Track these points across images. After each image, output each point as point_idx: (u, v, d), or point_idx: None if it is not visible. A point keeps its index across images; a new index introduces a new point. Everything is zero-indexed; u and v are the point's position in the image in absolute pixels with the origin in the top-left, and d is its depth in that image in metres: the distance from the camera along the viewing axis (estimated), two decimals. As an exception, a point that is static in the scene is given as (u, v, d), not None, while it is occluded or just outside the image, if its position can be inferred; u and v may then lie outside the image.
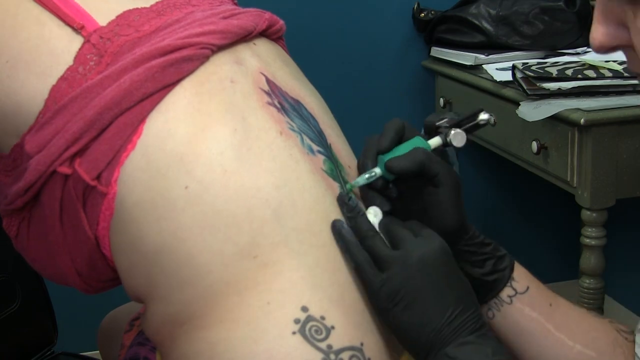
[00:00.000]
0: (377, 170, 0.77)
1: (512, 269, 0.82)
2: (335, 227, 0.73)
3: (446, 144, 0.79)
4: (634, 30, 0.62)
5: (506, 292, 0.81)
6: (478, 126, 0.81)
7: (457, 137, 0.79)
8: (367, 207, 0.77)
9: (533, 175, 1.72)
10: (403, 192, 0.80)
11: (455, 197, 0.78)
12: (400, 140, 0.78)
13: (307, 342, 0.68)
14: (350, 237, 0.73)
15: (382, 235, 0.74)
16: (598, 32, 0.65)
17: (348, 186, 0.77)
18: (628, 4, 0.61)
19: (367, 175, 0.77)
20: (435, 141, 0.79)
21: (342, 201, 0.75)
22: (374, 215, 0.76)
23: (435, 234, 0.73)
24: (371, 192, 0.78)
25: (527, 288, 0.82)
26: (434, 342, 0.69)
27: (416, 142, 0.78)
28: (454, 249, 0.77)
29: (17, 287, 1.33)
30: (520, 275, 0.82)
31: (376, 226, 0.75)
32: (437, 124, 0.81)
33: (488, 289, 0.81)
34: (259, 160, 0.72)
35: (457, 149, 0.80)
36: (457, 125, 0.80)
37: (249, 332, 0.69)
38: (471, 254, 0.80)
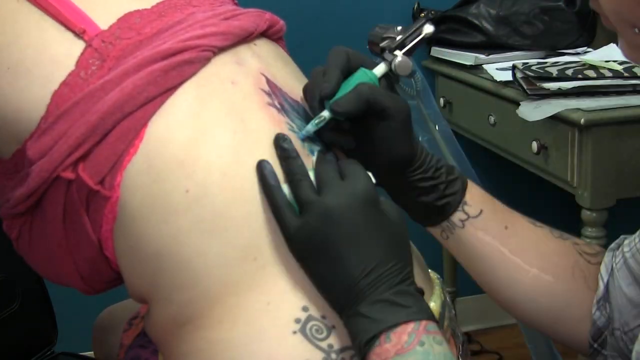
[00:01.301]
0: (326, 114, 0.74)
1: (463, 192, 0.79)
2: (259, 168, 0.71)
3: (392, 72, 0.76)
4: None
5: (458, 216, 0.79)
6: (423, 40, 0.77)
7: (402, 64, 0.76)
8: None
9: (533, 175, 1.72)
10: (354, 124, 0.77)
11: (404, 128, 0.75)
12: (346, 75, 0.76)
13: (307, 342, 0.68)
14: (271, 179, 0.70)
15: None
16: (622, 45, 0.65)
17: (299, 135, 0.75)
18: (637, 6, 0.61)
19: (316, 121, 0.75)
20: (380, 70, 0.76)
21: (277, 143, 0.73)
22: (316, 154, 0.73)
23: (363, 179, 0.70)
24: (330, 135, 0.76)
25: (481, 211, 0.79)
26: (347, 297, 0.67)
27: (360, 76, 0.75)
28: (403, 178, 0.76)
29: (17, 287, 1.33)
30: (475, 199, 0.80)
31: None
32: (381, 45, 0.78)
33: (437, 213, 0.79)
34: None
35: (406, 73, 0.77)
36: (402, 45, 0.77)
37: (249, 331, 0.69)
38: (422, 180, 0.77)
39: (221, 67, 0.75)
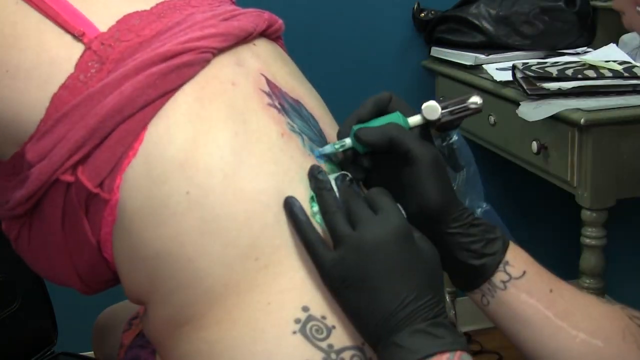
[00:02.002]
0: (347, 141, 0.74)
1: (504, 252, 0.76)
2: (287, 204, 0.71)
3: (427, 122, 0.75)
4: None
5: (499, 277, 0.75)
6: (466, 109, 0.76)
7: (429, 109, 0.75)
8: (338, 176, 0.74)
9: (533, 175, 1.72)
10: (381, 169, 0.76)
11: (433, 175, 0.73)
12: (381, 112, 0.76)
13: (307, 342, 0.68)
14: (302, 215, 0.70)
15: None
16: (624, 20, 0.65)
17: (315, 153, 0.75)
18: None
19: (337, 145, 0.74)
20: (415, 119, 0.76)
21: (312, 174, 0.73)
22: (334, 180, 0.72)
23: (396, 213, 0.69)
24: (345, 162, 0.76)
25: (524, 273, 0.76)
26: (383, 328, 0.67)
27: (393, 117, 0.75)
28: (437, 230, 0.74)
29: (17, 287, 1.33)
30: (517, 259, 0.76)
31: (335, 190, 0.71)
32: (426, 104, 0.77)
33: (476, 274, 0.75)
34: (260, 163, 0.72)
35: (447, 133, 0.76)
36: (444, 107, 0.76)
37: (248, 331, 0.69)
38: (457, 235, 0.75)
39: (221, 69, 0.75)
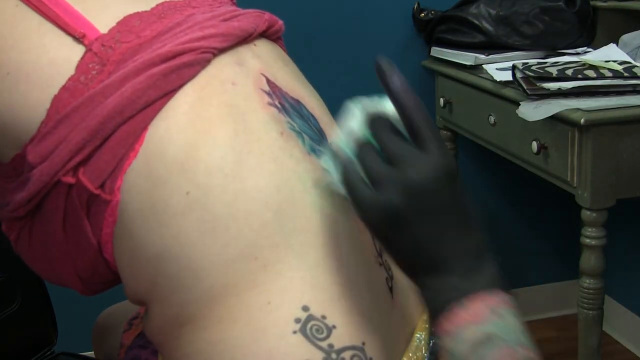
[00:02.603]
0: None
1: None
2: (337, 153, 0.69)
3: None
4: None
5: None
6: None
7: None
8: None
9: (533, 175, 1.72)
10: None
11: None
12: None
13: (308, 342, 0.68)
14: (346, 155, 0.69)
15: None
16: None
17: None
18: None
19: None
20: None
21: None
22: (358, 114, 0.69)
23: (440, 149, 0.66)
24: None
25: None
26: (430, 264, 0.66)
27: None
28: None
29: (17, 287, 1.33)
30: None
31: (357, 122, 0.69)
32: None
33: None
34: (260, 162, 0.72)
35: None
36: None
37: (249, 331, 0.69)
38: None
39: (221, 69, 0.75)
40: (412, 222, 0.66)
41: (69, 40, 0.72)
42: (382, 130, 0.69)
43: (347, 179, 0.68)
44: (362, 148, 0.69)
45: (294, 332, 0.69)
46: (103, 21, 0.74)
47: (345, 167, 0.69)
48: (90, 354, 1.21)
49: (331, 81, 2.15)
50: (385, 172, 0.66)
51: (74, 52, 0.72)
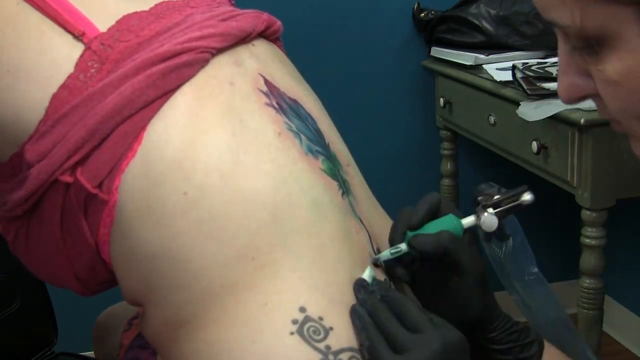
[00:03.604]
0: (403, 247, 0.76)
1: (540, 356, 0.78)
2: (354, 309, 0.71)
3: (479, 227, 0.77)
4: (597, 79, 0.60)
5: None
6: (520, 207, 0.78)
7: (488, 221, 0.76)
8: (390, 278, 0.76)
9: (533, 175, 1.72)
10: (429, 271, 0.78)
11: (478, 288, 0.76)
12: (434, 216, 0.77)
13: (305, 343, 0.68)
14: (367, 316, 0.70)
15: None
16: (563, 84, 0.64)
17: (372, 260, 0.77)
18: (589, 55, 0.60)
19: (392, 251, 0.76)
20: (468, 221, 0.77)
21: (359, 285, 0.73)
22: (368, 275, 0.74)
23: (451, 325, 0.70)
24: (393, 263, 0.77)
25: None
26: None
27: (447, 221, 0.76)
28: (476, 336, 0.76)
29: (17, 287, 1.33)
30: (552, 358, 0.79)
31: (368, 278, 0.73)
32: (478, 198, 0.78)
33: None
34: (257, 163, 0.72)
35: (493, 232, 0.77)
36: (497, 204, 0.77)
37: (246, 332, 0.69)
38: (495, 341, 0.78)
39: (219, 69, 0.75)
40: None
41: (68, 38, 0.72)
42: (398, 298, 0.72)
43: (371, 340, 0.69)
44: (384, 316, 0.70)
45: (291, 334, 0.68)
46: (102, 20, 0.74)
47: (369, 329, 0.69)
48: (90, 354, 1.21)
49: (331, 81, 2.16)
50: (408, 337, 0.68)
51: (73, 50, 0.72)
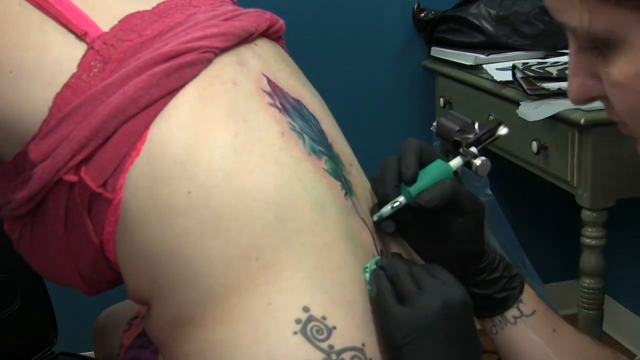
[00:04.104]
0: (402, 199, 0.77)
1: (521, 290, 0.83)
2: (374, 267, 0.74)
3: (468, 166, 0.79)
4: (606, 81, 0.62)
5: (512, 312, 0.82)
6: (495, 140, 0.81)
7: (483, 167, 0.78)
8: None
9: (533, 175, 1.72)
10: (422, 218, 0.80)
11: (478, 226, 0.79)
12: (421, 164, 0.79)
13: (308, 342, 0.68)
14: (380, 270, 0.73)
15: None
16: (574, 85, 0.65)
17: (374, 218, 0.78)
18: (597, 57, 0.61)
19: (391, 206, 0.77)
20: (456, 163, 0.79)
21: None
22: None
23: (456, 281, 0.72)
24: (386, 225, 0.79)
25: (533, 311, 0.83)
26: None
27: (438, 168, 0.78)
28: (468, 268, 0.78)
29: (17, 287, 1.33)
30: (529, 298, 0.83)
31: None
32: (456, 138, 0.80)
33: (496, 305, 0.82)
34: (261, 163, 0.72)
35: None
36: (477, 142, 0.79)
37: (249, 332, 0.69)
38: (485, 272, 0.81)
39: (222, 68, 0.75)
40: (426, 343, 0.69)
41: (71, 37, 0.73)
42: (408, 262, 0.75)
43: (380, 288, 0.72)
44: (393, 263, 0.73)
45: (295, 333, 0.69)
46: (105, 19, 0.74)
47: (379, 277, 0.72)
48: (90, 354, 1.21)
49: (332, 81, 2.15)
50: (414, 290, 0.71)
51: (76, 50, 0.72)
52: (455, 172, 0.80)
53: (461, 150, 0.80)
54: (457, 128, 0.81)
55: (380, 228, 0.80)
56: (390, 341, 0.70)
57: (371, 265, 0.74)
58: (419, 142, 0.80)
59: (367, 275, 0.74)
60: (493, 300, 0.82)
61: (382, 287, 0.72)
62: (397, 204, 0.77)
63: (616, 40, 0.58)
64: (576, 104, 0.68)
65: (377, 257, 0.76)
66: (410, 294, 0.71)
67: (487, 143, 0.80)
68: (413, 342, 0.69)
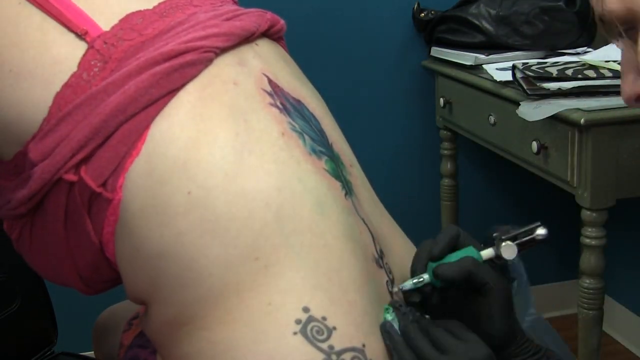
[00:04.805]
0: (425, 277, 0.78)
1: None
2: (385, 327, 0.74)
3: (498, 257, 0.79)
4: None
5: None
6: (534, 241, 0.80)
7: (508, 249, 0.78)
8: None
9: (533, 175, 1.72)
10: (452, 297, 0.79)
11: (503, 307, 0.77)
12: (454, 248, 0.79)
13: (308, 343, 0.68)
14: (398, 336, 0.73)
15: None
16: (625, 81, 0.66)
17: (395, 289, 0.79)
18: (635, 44, 0.61)
19: (414, 280, 0.78)
20: (487, 252, 0.79)
21: (395, 306, 0.76)
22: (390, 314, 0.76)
23: (479, 340, 0.72)
24: (409, 296, 0.79)
25: None
26: None
27: (468, 251, 0.78)
28: (501, 354, 0.77)
29: (17, 287, 1.33)
30: None
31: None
32: (493, 235, 0.80)
33: None
34: (261, 163, 0.72)
35: (512, 262, 0.80)
36: (513, 238, 0.80)
37: (249, 332, 0.69)
38: (517, 358, 0.79)
39: (223, 68, 0.75)
40: None
41: (71, 37, 0.73)
42: (427, 323, 0.74)
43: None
44: (416, 337, 0.72)
45: (295, 333, 0.69)
46: (105, 18, 0.74)
47: (401, 349, 0.72)
48: (90, 354, 1.21)
49: (331, 81, 2.15)
50: (437, 357, 0.70)
51: (76, 49, 0.72)
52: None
53: (495, 242, 0.79)
54: (500, 228, 0.81)
55: (410, 302, 0.79)
56: None
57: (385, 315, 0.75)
58: (458, 229, 0.80)
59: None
60: None
61: (404, 357, 0.71)
62: (421, 279, 0.78)
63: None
64: (628, 103, 0.68)
65: (391, 310, 0.76)
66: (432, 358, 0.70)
67: (524, 240, 0.80)
68: None
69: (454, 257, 0.78)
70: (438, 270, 0.76)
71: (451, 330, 0.74)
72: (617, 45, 0.64)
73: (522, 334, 0.80)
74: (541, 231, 0.80)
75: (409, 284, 0.78)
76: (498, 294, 0.77)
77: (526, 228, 0.80)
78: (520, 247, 0.79)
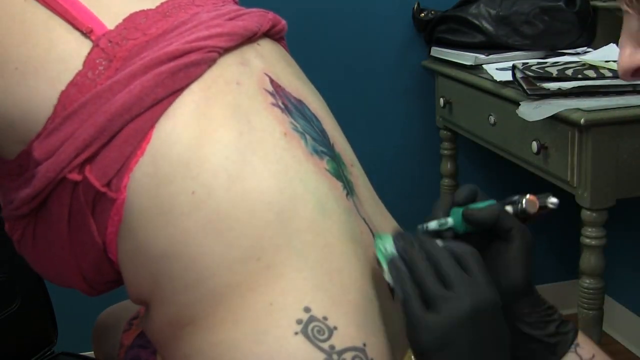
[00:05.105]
0: (450, 220, 0.77)
1: (576, 334, 0.79)
2: (392, 259, 0.72)
3: (518, 213, 0.79)
4: None
5: (570, 357, 0.78)
6: (546, 208, 0.80)
7: (530, 203, 0.78)
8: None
9: (533, 175, 1.72)
10: (473, 244, 0.77)
11: (525, 256, 0.77)
12: (474, 200, 0.78)
13: (309, 343, 0.68)
14: (404, 268, 0.71)
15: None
16: (623, 54, 0.65)
17: (419, 227, 0.77)
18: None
19: (440, 221, 0.77)
20: (509, 208, 0.79)
21: (399, 234, 0.74)
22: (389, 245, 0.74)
23: (489, 282, 0.70)
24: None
25: (593, 355, 0.79)
26: None
27: (491, 203, 0.78)
28: (515, 307, 0.76)
29: (17, 287, 1.33)
30: (586, 342, 0.79)
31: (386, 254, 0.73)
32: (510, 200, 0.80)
33: (549, 351, 0.78)
34: (263, 163, 0.72)
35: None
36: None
37: (251, 332, 0.69)
38: (533, 314, 0.78)
39: (226, 68, 0.75)
40: (454, 348, 0.67)
41: (76, 35, 0.72)
42: (436, 249, 0.72)
43: (405, 293, 0.70)
44: (420, 269, 0.70)
45: (296, 333, 0.69)
46: (109, 17, 0.74)
47: (405, 281, 0.70)
48: (90, 354, 1.21)
49: (332, 81, 2.15)
50: (439, 294, 0.68)
51: (81, 47, 0.72)
52: None
53: (512, 199, 0.80)
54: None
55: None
56: (416, 346, 0.69)
57: (384, 244, 0.74)
58: (476, 187, 0.80)
59: (381, 256, 0.73)
60: (545, 346, 0.78)
61: (407, 290, 0.70)
62: (444, 222, 0.77)
63: None
64: (624, 77, 0.67)
65: (388, 236, 0.74)
66: (437, 298, 0.68)
67: (541, 203, 0.80)
68: (440, 348, 0.67)
69: (478, 206, 0.77)
70: (469, 212, 0.76)
71: (457, 255, 0.71)
72: (625, 10, 0.63)
73: (536, 291, 0.79)
74: (553, 199, 0.80)
75: (434, 223, 0.77)
76: (522, 240, 0.76)
77: (541, 195, 0.80)
78: (539, 209, 0.79)
